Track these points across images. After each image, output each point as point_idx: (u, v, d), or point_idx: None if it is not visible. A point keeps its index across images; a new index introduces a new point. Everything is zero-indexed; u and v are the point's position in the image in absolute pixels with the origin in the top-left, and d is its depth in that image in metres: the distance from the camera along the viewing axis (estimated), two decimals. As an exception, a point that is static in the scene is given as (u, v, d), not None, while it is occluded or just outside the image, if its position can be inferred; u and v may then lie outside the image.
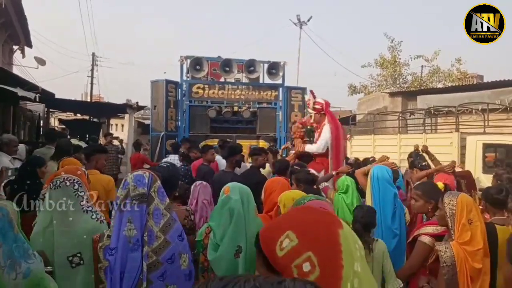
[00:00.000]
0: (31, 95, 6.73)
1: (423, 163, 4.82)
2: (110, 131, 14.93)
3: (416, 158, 5.12)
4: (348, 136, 9.58)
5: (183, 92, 9.15)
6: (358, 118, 15.30)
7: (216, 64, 9.42)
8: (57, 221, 2.21)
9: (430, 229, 2.62)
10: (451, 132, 7.55)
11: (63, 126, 18.54)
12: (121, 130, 29.70)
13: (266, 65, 9.62)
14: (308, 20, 26.17)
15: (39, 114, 13.17)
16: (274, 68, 9.69)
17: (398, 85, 19.96)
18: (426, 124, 9.02)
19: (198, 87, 9.06)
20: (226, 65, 9.23)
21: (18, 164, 4.71)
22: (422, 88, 16.69)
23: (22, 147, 5.35)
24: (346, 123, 18.05)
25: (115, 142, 11.79)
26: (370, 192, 3.48)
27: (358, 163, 5.77)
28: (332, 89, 74.48)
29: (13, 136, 5.08)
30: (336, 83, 48.18)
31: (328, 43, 60.67)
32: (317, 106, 4.94)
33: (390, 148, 6.12)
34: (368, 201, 3.46)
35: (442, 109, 10.49)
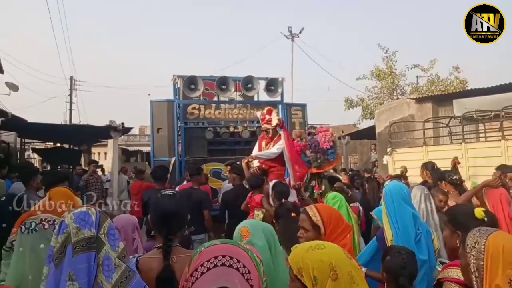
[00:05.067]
0: None
1: (454, 177, 4.11)
2: (94, 160, 13.90)
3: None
4: (388, 150, 8.69)
5: (177, 113, 8.32)
6: (378, 130, 14.04)
7: (209, 84, 8.73)
8: (33, 276, 1.79)
9: (454, 273, 1.68)
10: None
11: (37, 157, 17.24)
12: (104, 158, 27.87)
13: (263, 82, 8.96)
14: (300, 32, 24.94)
15: (9, 144, 11.90)
16: (272, 84, 9.03)
17: (395, 97, 19.39)
18: (505, 129, 7.33)
19: (194, 108, 8.27)
20: (223, 83, 8.49)
21: None
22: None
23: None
24: (359, 137, 16.91)
25: (99, 172, 11.00)
26: (386, 214, 2.71)
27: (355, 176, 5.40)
28: (328, 103, 74.22)
29: None
30: (333, 97, 48.09)
31: (323, 55, 60.36)
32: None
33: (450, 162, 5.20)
34: (387, 228, 2.70)
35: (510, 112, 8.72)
